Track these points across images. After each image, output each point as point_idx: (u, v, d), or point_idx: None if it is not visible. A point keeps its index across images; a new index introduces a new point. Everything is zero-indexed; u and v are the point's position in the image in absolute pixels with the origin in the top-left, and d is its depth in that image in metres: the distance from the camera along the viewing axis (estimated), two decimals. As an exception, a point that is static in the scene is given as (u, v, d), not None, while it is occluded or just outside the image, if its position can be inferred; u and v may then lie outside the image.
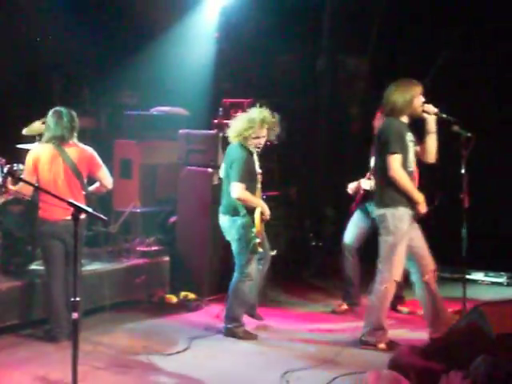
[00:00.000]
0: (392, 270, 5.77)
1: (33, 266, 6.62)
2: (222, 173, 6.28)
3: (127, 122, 8.18)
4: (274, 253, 6.41)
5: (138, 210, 7.60)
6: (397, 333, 6.16)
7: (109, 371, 5.40)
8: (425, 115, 5.87)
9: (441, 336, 5.34)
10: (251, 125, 6.05)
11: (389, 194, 5.78)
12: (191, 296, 7.19)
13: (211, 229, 7.27)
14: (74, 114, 6.08)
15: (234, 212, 6.09)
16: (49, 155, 5.96)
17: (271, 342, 6.15)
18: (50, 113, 6.05)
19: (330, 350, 5.86)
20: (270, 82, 9.01)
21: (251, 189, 6.06)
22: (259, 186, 6.19)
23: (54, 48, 8.14)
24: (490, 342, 4.50)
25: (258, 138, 6.10)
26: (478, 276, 8.07)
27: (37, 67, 8.03)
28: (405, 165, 5.78)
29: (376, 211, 5.92)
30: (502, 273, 7.96)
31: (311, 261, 8.55)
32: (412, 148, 5.86)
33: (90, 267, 6.76)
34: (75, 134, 6.08)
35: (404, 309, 7.00)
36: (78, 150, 6.06)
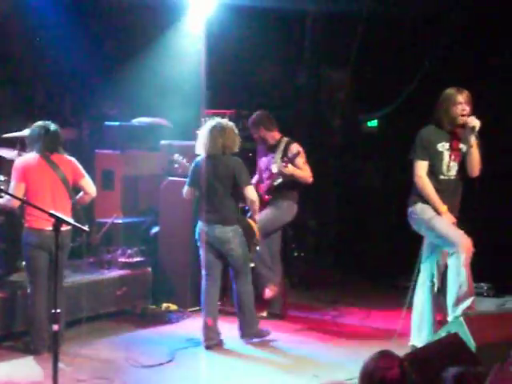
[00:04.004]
0: None
1: (14, 277, 6.57)
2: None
3: (109, 133, 8.16)
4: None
5: (120, 221, 7.57)
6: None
7: (90, 383, 5.37)
8: (466, 127, 5.73)
9: (421, 347, 5.35)
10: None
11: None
12: (173, 307, 7.18)
13: (193, 240, 7.26)
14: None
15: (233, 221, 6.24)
16: (39, 165, 5.95)
17: (253, 352, 6.16)
18: (38, 125, 6.02)
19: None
20: (251, 94, 9.04)
21: None
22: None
23: (35, 58, 8.12)
24: (470, 353, 4.52)
25: None
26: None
27: (18, 77, 8.01)
28: (434, 172, 5.80)
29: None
30: (482, 284, 7.97)
31: (293, 271, 8.55)
32: (447, 157, 5.80)
33: (71, 278, 6.72)
34: (61, 147, 6.11)
35: None
36: (62, 159, 6.08)
